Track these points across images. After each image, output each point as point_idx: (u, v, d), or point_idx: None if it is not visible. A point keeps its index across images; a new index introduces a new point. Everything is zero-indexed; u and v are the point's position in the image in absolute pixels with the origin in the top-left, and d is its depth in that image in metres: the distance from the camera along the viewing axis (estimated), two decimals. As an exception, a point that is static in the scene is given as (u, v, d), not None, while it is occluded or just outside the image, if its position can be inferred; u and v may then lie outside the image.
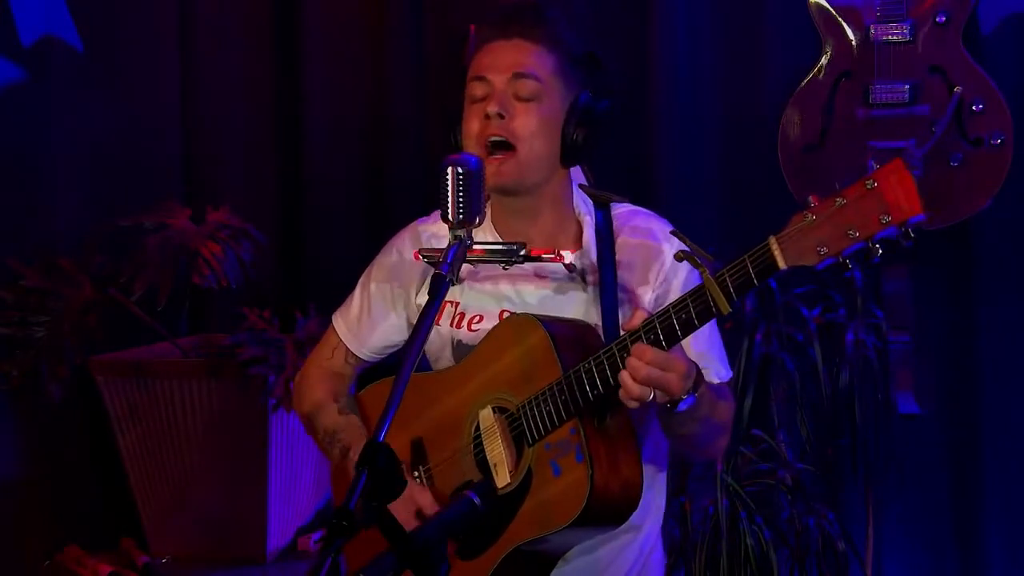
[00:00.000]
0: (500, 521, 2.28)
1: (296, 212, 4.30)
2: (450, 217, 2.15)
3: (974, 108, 3.53)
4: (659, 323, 2.14)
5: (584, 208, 2.45)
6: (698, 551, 3.61)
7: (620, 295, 2.38)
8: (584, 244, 2.42)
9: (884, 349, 3.72)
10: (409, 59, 4.20)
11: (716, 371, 2.40)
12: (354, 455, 2.45)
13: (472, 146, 2.36)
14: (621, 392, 2.16)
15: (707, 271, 2.09)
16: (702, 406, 2.23)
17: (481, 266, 2.41)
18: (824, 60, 3.65)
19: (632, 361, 2.14)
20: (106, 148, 4.12)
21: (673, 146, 3.99)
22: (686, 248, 2.13)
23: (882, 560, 3.81)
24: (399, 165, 4.22)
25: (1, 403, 3.85)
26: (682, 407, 2.18)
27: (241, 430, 3.65)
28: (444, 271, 2.12)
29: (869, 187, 1.98)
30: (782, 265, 2.03)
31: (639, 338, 2.15)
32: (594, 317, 2.38)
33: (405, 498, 2.27)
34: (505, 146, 2.34)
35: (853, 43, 3.62)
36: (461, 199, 2.14)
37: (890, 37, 3.57)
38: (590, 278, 2.40)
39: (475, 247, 2.28)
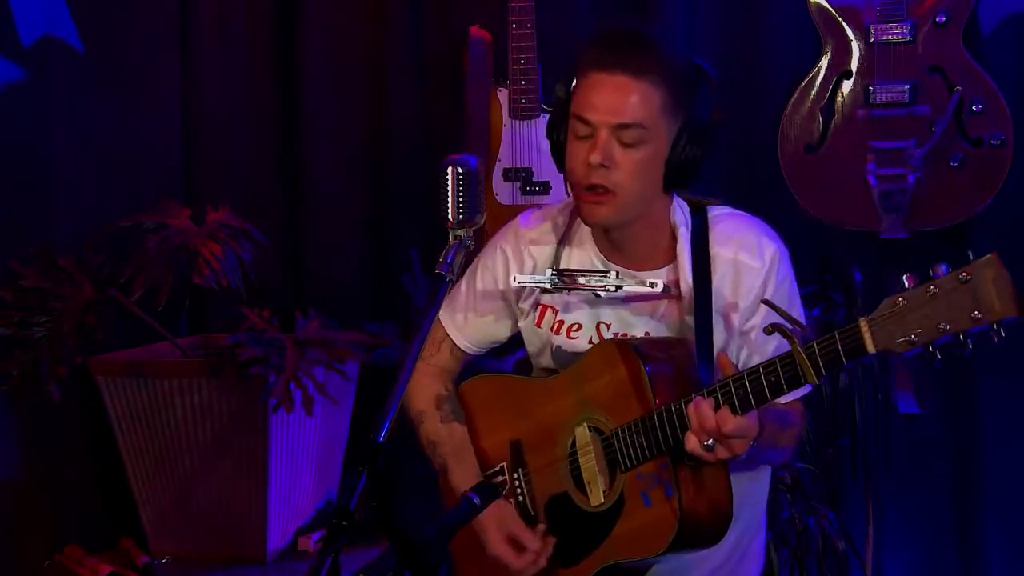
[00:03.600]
0: (596, 536, 2.36)
1: (296, 212, 4.30)
2: (450, 217, 2.15)
3: (974, 108, 3.53)
4: (748, 381, 2.17)
5: (680, 217, 2.44)
6: (698, 551, 3.60)
7: (714, 308, 2.39)
8: (679, 256, 2.42)
9: (884, 349, 3.71)
10: (409, 59, 4.20)
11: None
12: (452, 476, 2.55)
13: (575, 182, 2.37)
14: (685, 440, 2.21)
15: (798, 343, 2.11)
16: (762, 447, 2.26)
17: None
18: (824, 60, 3.65)
19: (707, 423, 2.17)
20: (106, 148, 4.12)
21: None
22: (776, 316, 2.15)
23: (882, 560, 3.81)
24: (399, 165, 4.22)
25: (1, 403, 3.85)
26: (741, 457, 2.24)
27: (241, 430, 3.65)
28: (444, 271, 2.13)
29: (963, 280, 1.95)
30: (871, 349, 2.04)
31: (729, 393, 2.18)
32: (687, 330, 2.40)
33: (498, 520, 2.41)
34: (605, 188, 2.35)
35: (853, 43, 3.62)
36: (461, 199, 2.14)
37: (890, 37, 3.57)
38: (684, 290, 2.41)
39: (568, 277, 2.40)
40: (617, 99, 2.31)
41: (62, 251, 3.82)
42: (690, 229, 2.42)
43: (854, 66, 3.62)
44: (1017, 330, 3.77)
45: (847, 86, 3.63)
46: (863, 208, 3.58)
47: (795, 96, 3.68)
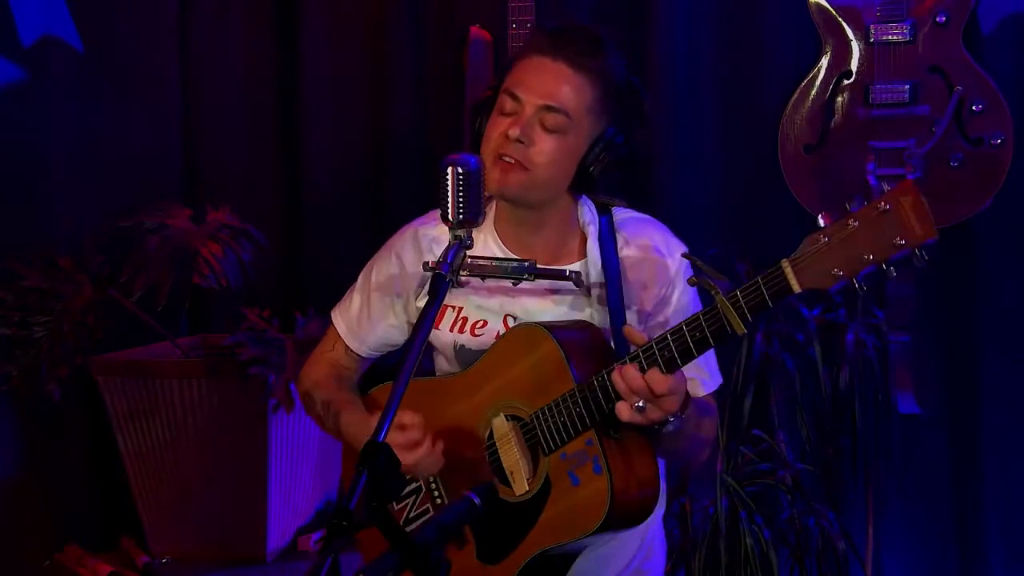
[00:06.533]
0: (520, 527, 2.33)
1: (296, 212, 4.30)
2: (450, 217, 2.15)
3: (974, 108, 3.53)
4: (673, 341, 2.17)
5: (588, 216, 2.46)
6: (698, 551, 3.61)
7: (625, 302, 2.39)
8: (588, 254, 2.43)
9: (884, 349, 3.72)
10: (409, 59, 4.20)
11: (704, 382, 2.43)
12: (346, 416, 2.50)
13: (487, 152, 2.36)
14: (617, 410, 2.20)
15: (720, 293, 2.10)
16: (688, 424, 2.27)
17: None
18: (824, 60, 3.65)
19: (634, 383, 2.17)
20: (106, 148, 4.12)
21: (673, 146, 3.99)
22: (696, 269, 2.15)
23: (882, 560, 3.81)
24: (399, 165, 4.22)
25: (1, 403, 3.85)
26: (669, 428, 2.23)
27: (241, 430, 3.65)
28: (444, 271, 2.13)
29: (882, 210, 1.98)
30: (796, 288, 2.06)
31: (653, 355, 2.18)
32: (598, 322, 2.40)
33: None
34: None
35: (853, 43, 3.62)
36: (461, 199, 2.14)
37: (890, 37, 3.57)
38: (594, 287, 2.41)
39: (484, 262, 2.34)
40: (551, 83, 2.34)
41: (62, 251, 3.82)
42: (598, 227, 2.44)
43: (854, 66, 3.62)
44: (1018, 329, 3.80)
45: (847, 86, 3.63)
46: (863, 208, 3.58)
47: (795, 96, 3.68)
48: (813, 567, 3.67)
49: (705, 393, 2.43)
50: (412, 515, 2.50)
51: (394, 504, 2.49)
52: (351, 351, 2.62)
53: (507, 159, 2.34)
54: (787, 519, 3.67)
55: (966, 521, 3.89)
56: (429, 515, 2.47)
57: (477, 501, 2.06)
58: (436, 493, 2.47)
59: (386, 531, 1.89)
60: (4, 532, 3.97)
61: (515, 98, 2.35)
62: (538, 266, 2.38)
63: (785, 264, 2.05)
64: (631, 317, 2.39)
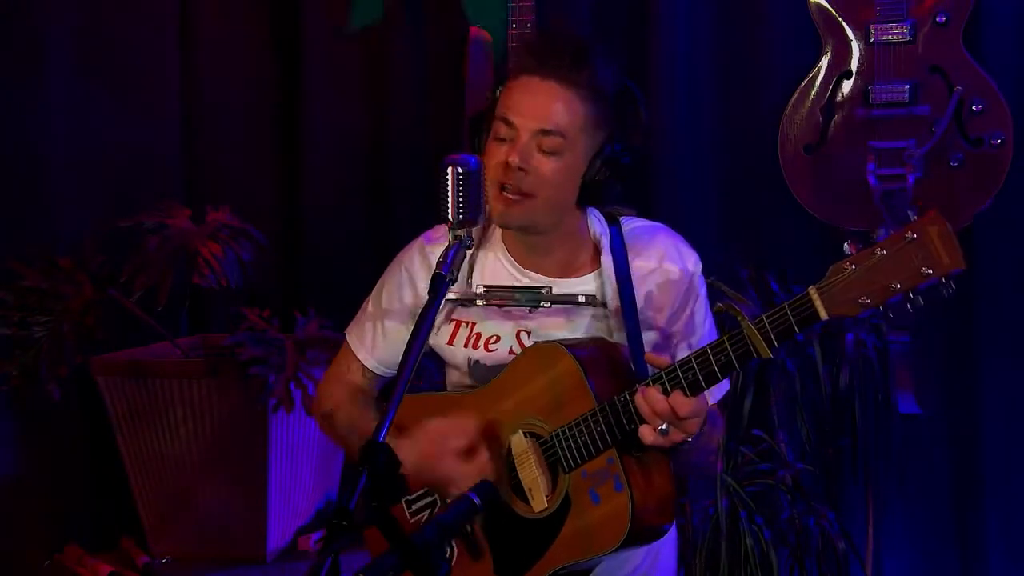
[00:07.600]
0: (540, 543, 2.33)
1: (296, 213, 4.30)
2: (450, 217, 2.15)
3: (974, 108, 3.53)
4: (697, 364, 2.18)
5: (599, 227, 2.45)
6: (698, 551, 3.61)
7: (639, 314, 2.39)
8: (602, 264, 2.42)
9: (884, 349, 3.72)
10: (409, 59, 4.20)
11: (711, 391, 2.38)
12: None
13: (488, 181, 2.33)
14: (641, 434, 2.21)
15: (746, 318, 2.13)
16: (702, 439, 2.28)
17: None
18: (824, 60, 3.66)
19: (658, 405, 2.18)
20: (106, 148, 4.12)
21: (673, 146, 3.99)
22: (725, 298, 2.16)
23: (882, 560, 3.81)
24: (399, 165, 4.22)
25: (1, 403, 3.85)
26: (687, 446, 2.25)
27: (241, 430, 3.65)
28: (444, 271, 2.13)
29: (909, 239, 2.01)
30: (823, 316, 2.07)
31: (676, 378, 2.19)
32: (614, 337, 2.40)
33: (430, 438, 2.34)
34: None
35: (853, 43, 3.62)
36: (461, 199, 2.14)
37: (890, 37, 3.57)
38: (610, 298, 2.41)
39: (500, 291, 2.37)
40: (543, 105, 2.32)
41: (62, 251, 3.82)
42: (610, 237, 2.42)
43: (854, 66, 3.62)
44: (1018, 329, 3.80)
45: (847, 86, 3.63)
46: (863, 208, 3.58)
47: (795, 96, 3.68)
48: (813, 567, 3.66)
49: (713, 402, 2.41)
50: None
51: (408, 516, 2.48)
52: (367, 370, 2.59)
53: (509, 190, 2.33)
54: (787, 519, 3.67)
55: (966, 521, 3.89)
56: None
57: (477, 501, 2.06)
58: None
59: (386, 531, 1.89)
60: (4, 532, 3.97)
61: (509, 124, 2.33)
62: (553, 292, 2.38)
63: (812, 291, 2.07)
64: (645, 330, 2.38)
